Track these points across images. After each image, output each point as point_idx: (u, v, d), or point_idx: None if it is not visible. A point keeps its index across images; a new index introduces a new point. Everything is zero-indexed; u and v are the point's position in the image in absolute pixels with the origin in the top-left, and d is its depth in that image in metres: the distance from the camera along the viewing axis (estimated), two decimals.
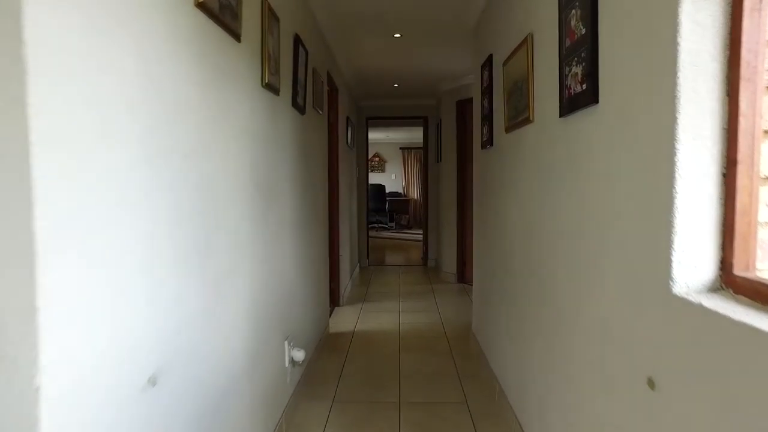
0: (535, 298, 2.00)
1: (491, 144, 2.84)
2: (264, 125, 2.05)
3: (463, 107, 5.73)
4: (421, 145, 7.15)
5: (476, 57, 3.42)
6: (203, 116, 1.43)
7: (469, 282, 5.73)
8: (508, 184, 2.45)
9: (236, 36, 1.65)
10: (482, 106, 3.08)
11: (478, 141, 3.33)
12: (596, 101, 1.34)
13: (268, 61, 2.02)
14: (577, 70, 1.44)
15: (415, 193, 13.29)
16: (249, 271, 1.87)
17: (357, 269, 6.62)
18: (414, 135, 11.79)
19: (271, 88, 2.10)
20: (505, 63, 2.40)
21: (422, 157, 7.52)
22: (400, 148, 13.31)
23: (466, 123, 5.72)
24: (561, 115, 1.61)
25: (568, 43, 1.52)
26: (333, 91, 4.67)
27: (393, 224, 12.56)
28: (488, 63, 2.87)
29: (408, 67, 5.09)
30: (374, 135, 12.12)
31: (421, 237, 10.22)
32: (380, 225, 12.38)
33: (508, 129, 2.38)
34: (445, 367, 3.22)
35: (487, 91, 2.90)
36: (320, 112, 3.44)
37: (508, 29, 2.43)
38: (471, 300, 4.92)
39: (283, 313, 2.41)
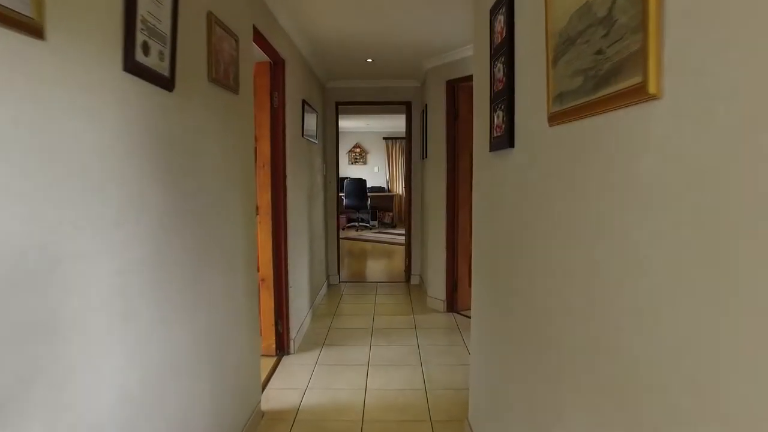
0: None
1: (510, 143, 1.59)
2: None
3: (456, 89, 4.47)
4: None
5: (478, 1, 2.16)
6: None
7: (461, 312, 4.52)
8: (563, 229, 1.21)
9: None
10: (491, 79, 1.83)
11: (482, 137, 2.08)
12: None
13: None
14: None
15: (399, 188, 12.05)
16: None
17: (324, 288, 5.38)
18: (399, 123, 10.51)
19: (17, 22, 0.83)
20: None
21: (405, 152, 6.27)
22: (384, 138, 12.03)
23: (459, 110, 4.47)
24: None
25: None
26: (277, 65, 3.39)
27: (375, 223, 11.31)
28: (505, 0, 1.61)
29: (383, 34, 3.81)
30: (355, 123, 10.85)
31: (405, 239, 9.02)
32: (361, 224, 11.13)
33: (559, 117, 1.14)
34: None
35: (503, 51, 1.65)
36: (232, 89, 2.17)
37: None
38: (465, 344, 3.71)
39: None
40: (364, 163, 12.22)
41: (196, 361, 1.79)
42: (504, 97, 1.62)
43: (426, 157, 5.03)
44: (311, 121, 4.49)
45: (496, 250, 1.88)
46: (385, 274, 6.54)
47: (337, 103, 5.65)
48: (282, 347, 3.62)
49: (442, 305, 4.66)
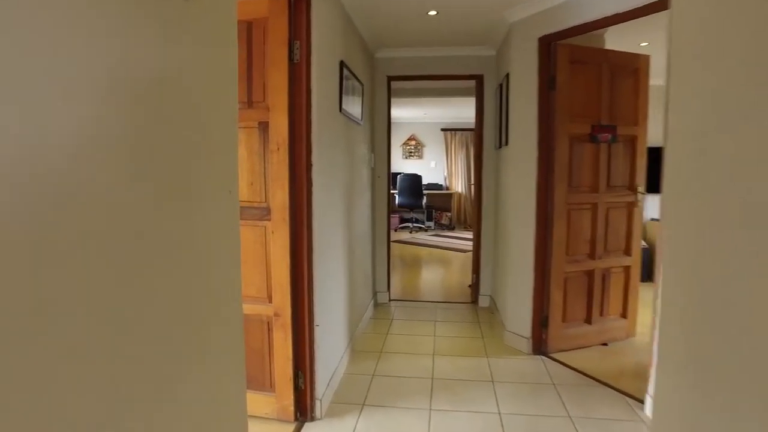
0: None
1: None
2: None
3: (554, 49, 3.21)
4: (468, 126, 4.68)
5: None
6: None
7: (553, 356, 3.27)
8: None
9: None
10: None
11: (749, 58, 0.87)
12: None
13: None
14: None
15: (459, 186, 10.77)
16: None
17: (370, 310, 4.28)
18: (459, 113, 9.26)
19: None
20: None
21: (469, 140, 5.04)
22: (442, 130, 10.79)
23: (557, 77, 3.21)
24: None
25: None
26: (299, 1, 2.30)
27: (432, 224, 10.11)
28: None
29: None
30: (410, 113, 9.71)
31: (467, 243, 7.81)
32: (416, 225, 9.96)
33: None
34: None
35: None
36: None
37: None
38: (568, 412, 2.46)
39: None
40: (420, 157, 11.03)
41: None
42: None
43: (505, 144, 3.80)
44: (354, 95, 3.38)
45: None
46: (445, 290, 5.35)
47: (389, 78, 4.51)
48: (304, 410, 2.53)
49: (526, 345, 3.43)
